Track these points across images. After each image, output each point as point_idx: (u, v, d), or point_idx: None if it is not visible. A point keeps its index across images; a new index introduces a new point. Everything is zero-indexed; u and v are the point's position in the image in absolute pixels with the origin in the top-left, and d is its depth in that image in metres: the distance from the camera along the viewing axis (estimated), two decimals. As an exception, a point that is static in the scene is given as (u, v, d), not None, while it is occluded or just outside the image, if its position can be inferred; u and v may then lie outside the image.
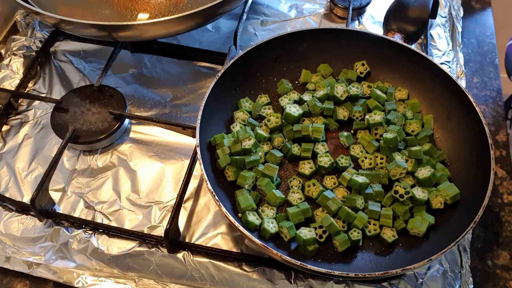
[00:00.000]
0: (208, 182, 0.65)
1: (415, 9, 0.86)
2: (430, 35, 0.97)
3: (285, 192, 0.73)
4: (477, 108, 0.72)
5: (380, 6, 1.03)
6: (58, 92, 0.89)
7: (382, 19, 1.02)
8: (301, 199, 0.71)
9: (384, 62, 0.83)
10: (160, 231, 0.72)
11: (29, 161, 0.80)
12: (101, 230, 0.72)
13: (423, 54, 0.79)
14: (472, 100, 0.73)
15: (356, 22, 1.01)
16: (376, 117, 0.77)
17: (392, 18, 0.87)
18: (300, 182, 0.73)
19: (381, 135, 0.76)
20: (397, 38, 0.82)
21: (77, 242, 0.71)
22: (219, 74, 0.75)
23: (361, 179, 0.70)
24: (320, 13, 1.03)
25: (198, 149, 0.68)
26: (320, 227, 0.68)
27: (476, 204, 0.64)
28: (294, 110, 0.77)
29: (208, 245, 0.71)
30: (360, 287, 0.67)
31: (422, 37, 0.97)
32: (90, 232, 0.72)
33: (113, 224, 0.73)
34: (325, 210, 0.70)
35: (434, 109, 0.79)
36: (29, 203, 0.70)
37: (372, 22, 1.01)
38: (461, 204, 0.69)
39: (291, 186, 0.73)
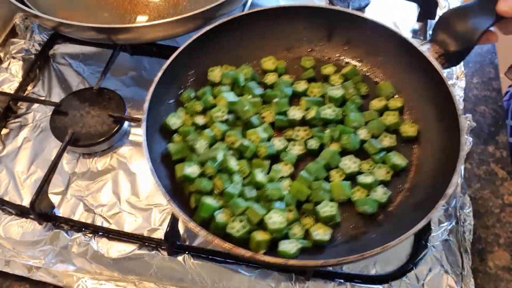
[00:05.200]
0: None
1: (466, 24, 0.71)
2: (429, 35, 0.97)
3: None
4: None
5: (379, 7, 1.03)
6: (57, 95, 0.89)
7: (381, 20, 1.02)
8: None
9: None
10: (160, 234, 0.72)
11: (28, 164, 0.80)
12: (101, 233, 0.72)
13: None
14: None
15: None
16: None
17: (441, 25, 0.73)
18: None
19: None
20: (430, 50, 0.72)
21: (77, 246, 0.71)
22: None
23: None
24: (319, 14, 1.02)
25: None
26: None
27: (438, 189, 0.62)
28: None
29: (209, 248, 0.71)
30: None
31: (422, 37, 0.97)
32: (90, 235, 0.72)
33: (113, 227, 0.73)
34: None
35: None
36: (28, 207, 0.70)
37: (371, 23, 1.01)
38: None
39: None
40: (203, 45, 0.77)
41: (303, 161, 0.72)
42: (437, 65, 0.70)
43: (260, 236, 0.61)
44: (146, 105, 0.68)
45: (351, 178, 0.70)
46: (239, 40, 0.81)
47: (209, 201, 0.64)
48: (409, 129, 0.74)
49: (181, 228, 0.72)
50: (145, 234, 0.72)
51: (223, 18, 0.78)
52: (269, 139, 0.73)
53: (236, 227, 0.62)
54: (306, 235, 0.65)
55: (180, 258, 0.70)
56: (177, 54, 0.73)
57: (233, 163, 0.68)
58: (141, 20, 0.90)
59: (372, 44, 0.80)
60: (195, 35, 0.75)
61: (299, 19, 0.81)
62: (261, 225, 0.63)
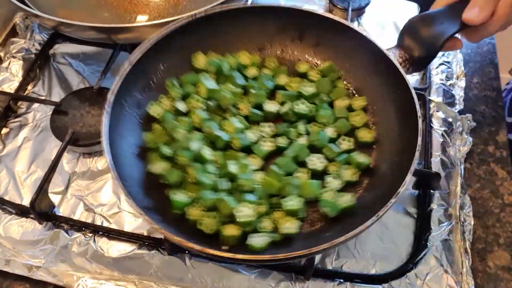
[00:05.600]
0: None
1: (431, 30, 0.72)
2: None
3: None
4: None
5: (379, 7, 1.03)
6: (57, 95, 0.89)
7: (381, 20, 1.02)
8: None
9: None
10: (160, 233, 0.72)
11: (28, 164, 0.80)
12: (101, 233, 0.72)
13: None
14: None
15: (356, 23, 1.01)
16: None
17: (407, 31, 0.74)
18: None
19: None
20: (395, 55, 0.73)
21: (77, 245, 0.71)
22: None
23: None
24: (319, 14, 1.02)
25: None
26: None
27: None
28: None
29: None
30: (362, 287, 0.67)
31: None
32: (90, 234, 0.72)
33: (113, 226, 0.73)
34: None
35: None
36: (28, 206, 0.70)
37: (371, 23, 1.01)
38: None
39: None
40: (172, 41, 0.76)
41: (273, 156, 0.72)
42: (401, 69, 0.70)
43: (229, 230, 0.60)
44: (111, 97, 0.66)
45: (318, 176, 0.69)
46: (213, 36, 0.79)
47: (179, 197, 0.63)
48: (366, 135, 0.73)
49: (181, 228, 0.72)
50: (145, 233, 0.72)
51: (184, 19, 0.75)
52: (243, 131, 0.73)
53: (208, 224, 0.61)
54: (276, 229, 0.64)
55: (180, 257, 0.70)
56: (146, 50, 0.73)
57: (207, 153, 0.67)
58: (141, 19, 0.90)
59: (340, 47, 0.79)
60: (160, 33, 0.74)
61: (270, 19, 0.80)
62: (232, 218, 0.62)
